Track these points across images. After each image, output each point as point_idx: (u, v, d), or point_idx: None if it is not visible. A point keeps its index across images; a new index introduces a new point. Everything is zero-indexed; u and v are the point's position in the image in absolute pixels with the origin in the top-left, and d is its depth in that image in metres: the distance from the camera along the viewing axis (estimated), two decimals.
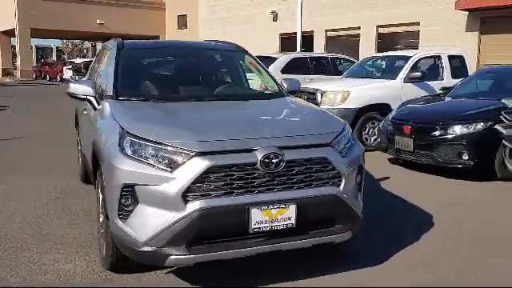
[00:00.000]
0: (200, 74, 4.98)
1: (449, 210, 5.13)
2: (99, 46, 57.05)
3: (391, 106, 8.32)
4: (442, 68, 9.43)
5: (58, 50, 77.33)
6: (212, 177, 3.00)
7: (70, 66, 28.24)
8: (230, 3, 36.08)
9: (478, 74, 8.29)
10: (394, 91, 8.61)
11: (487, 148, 6.15)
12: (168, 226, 2.98)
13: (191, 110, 3.82)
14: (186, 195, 2.97)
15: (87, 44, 65.81)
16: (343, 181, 3.33)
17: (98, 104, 4.18)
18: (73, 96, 4.31)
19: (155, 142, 3.10)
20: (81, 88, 4.22)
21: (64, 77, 32.09)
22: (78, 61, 27.19)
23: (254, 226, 3.09)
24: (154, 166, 3.05)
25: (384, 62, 9.96)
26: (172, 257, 3.02)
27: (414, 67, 9.06)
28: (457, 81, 9.10)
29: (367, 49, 26.15)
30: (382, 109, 8.33)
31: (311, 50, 23.49)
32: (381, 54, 11.06)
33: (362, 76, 9.59)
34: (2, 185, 5.99)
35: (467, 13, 22.84)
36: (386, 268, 3.70)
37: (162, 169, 3.03)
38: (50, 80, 38.63)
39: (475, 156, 6.12)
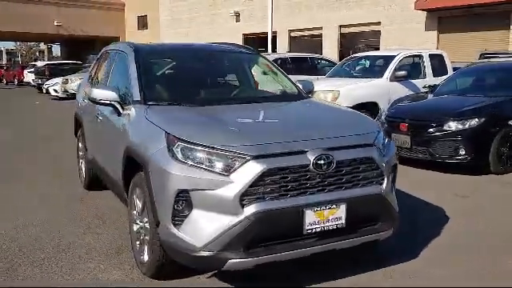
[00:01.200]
0: (221, 77, 4.98)
1: (457, 202, 5.34)
2: (56, 48, 55.58)
3: (379, 105, 8.54)
4: (424, 66, 9.77)
5: (8, 53, 74.81)
6: (267, 180, 3.03)
7: (32, 69, 27.31)
8: (191, 4, 35.87)
9: (460, 72, 8.60)
10: (380, 90, 8.84)
11: (482, 143, 6.42)
12: (226, 229, 2.99)
13: (229, 114, 3.82)
14: (242, 199, 2.99)
15: (42, 46, 63.84)
16: (385, 179, 3.44)
17: (123, 109, 4.12)
18: (95, 101, 4.23)
19: (208, 147, 3.09)
20: (105, 93, 4.14)
21: (25, 80, 31.05)
22: (40, 64, 26.34)
23: (307, 228, 3.14)
24: (208, 170, 3.05)
25: (368, 62, 10.19)
26: (231, 260, 3.03)
27: (399, 66, 9.33)
28: (438, 79, 9.45)
29: (330, 49, 26.62)
30: (371, 107, 8.53)
31: (274, 50, 23.71)
32: (364, 54, 11.30)
33: (347, 76, 9.79)
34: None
35: (426, 13, 23.60)
36: (422, 262, 3.82)
37: (218, 173, 3.03)
38: (7, 84, 37.32)
39: (471, 151, 6.38)
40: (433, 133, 6.56)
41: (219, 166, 3.05)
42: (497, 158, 6.48)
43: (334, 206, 3.19)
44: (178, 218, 3.10)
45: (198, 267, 3.28)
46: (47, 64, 24.72)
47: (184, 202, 3.08)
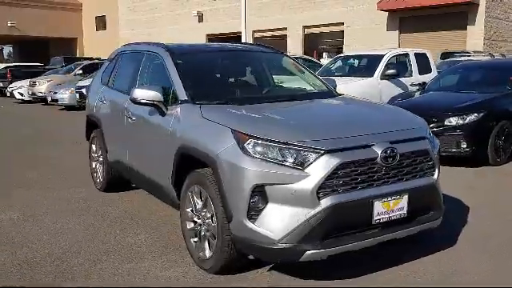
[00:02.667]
0: (256, 76, 5.07)
1: (468, 192, 5.64)
2: (7, 49, 53.41)
3: None
4: (410, 65, 10.15)
5: None
6: (340, 173, 3.17)
7: None
8: (153, 4, 35.50)
9: (450, 70, 9.01)
10: (372, 88, 9.15)
11: (481, 137, 6.79)
12: (303, 222, 3.10)
13: (283, 111, 3.93)
14: (318, 192, 3.11)
15: None
16: (436, 170, 3.65)
17: (167, 109, 4.15)
18: (136, 102, 4.23)
19: (281, 143, 3.19)
20: (149, 93, 4.14)
21: None
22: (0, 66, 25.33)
23: (375, 218, 3.29)
24: (283, 165, 3.15)
25: (356, 61, 10.49)
26: (308, 252, 3.14)
27: (388, 65, 9.66)
28: (423, 76, 9.85)
29: (294, 49, 26.97)
30: None
31: None
32: (352, 53, 11.59)
33: (337, 74, 10.04)
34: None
35: (387, 13, 24.35)
36: (463, 250, 4.05)
37: (293, 167, 3.14)
38: None
39: (472, 144, 6.73)
40: (434, 128, 6.84)
41: (294, 160, 3.16)
42: (494, 151, 6.86)
43: (398, 196, 3.36)
44: (254, 212, 3.19)
45: (273, 260, 3.38)
46: (8, 67, 23.84)
47: (259, 196, 3.17)
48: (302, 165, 3.14)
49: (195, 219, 3.77)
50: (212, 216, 3.54)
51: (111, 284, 3.56)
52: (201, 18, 32.70)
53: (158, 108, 4.21)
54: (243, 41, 20.72)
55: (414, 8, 22.96)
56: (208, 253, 3.61)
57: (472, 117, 6.79)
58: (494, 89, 7.54)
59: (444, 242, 4.12)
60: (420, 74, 10.03)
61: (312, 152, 3.15)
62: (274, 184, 3.14)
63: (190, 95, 4.07)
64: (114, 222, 4.84)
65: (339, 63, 10.94)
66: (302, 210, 3.12)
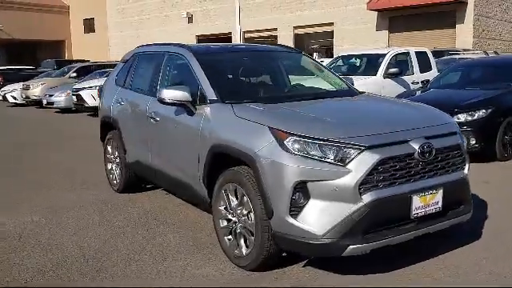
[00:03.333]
0: (278, 75, 5.12)
1: (483, 187, 5.74)
2: None
3: None
4: (412, 63, 10.29)
5: None
6: (380, 169, 3.24)
7: None
8: (141, 5, 35.36)
9: (452, 67, 9.14)
10: (376, 86, 9.24)
11: (490, 133, 6.92)
12: (346, 217, 3.16)
13: (315, 109, 3.99)
14: (360, 187, 3.18)
15: None
16: (466, 165, 3.74)
17: (195, 109, 4.19)
18: (165, 102, 4.25)
19: (322, 139, 3.25)
20: (178, 93, 4.17)
21: None
22: None
23: (414, 212, 3.37)
24: (324, 161, 3.21)
25: (358, 60, 10.59)
26: (350, 247, 3.20)
27: (390, 63, 9.78)
28: (424, 74, 9.98)
29: None
30: None
31: None
32: (355, 52, 11.69)
33: (341, 74, 10.10)
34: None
35: (377, 13, 24.55)
36: (488, 242, 4.15)
37: (335, 164, 3.20)
38: None
39: (481, 140, 6.86)
40: None
41: (335, 157, 3.21)
42: (502, 146, 7.00)
43: (434, 191, 3.44)
44: (296, 208, 3.24)
45: (315, 255, 3.42)
46: (0, 69, 23.58)
47: (301, 192, 3.23)
48: (343, 161, 3.20)
49: (229, 217, 3.81)
50: (249, 213, 3.58)
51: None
52: (190, 20, 32.63)
53: (186, 108, 4.24)
54: (233, 41, 20.74)
55: (403, 7, 23.16)
56: (245, 250, 3.65)
57: (480, 113, 6.91)
58: (498, 85, 7.66)
59: (470, 236, 4.21)
60: (421, 72, 10.18)
61: (353, 148, 3.21)
62: (315, 180, 3.20)
63: (219, 95, 4.11)
64: (138, 223, 4.86)
65: (340, 62, 11.04)
66: (344, 206, 3.17)
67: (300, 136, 3.29)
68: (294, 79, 5.28)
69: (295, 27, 27.91)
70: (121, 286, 3.55)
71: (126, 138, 5.51)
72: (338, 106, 4.26)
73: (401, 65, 10.11)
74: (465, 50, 18.67)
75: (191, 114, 4.22)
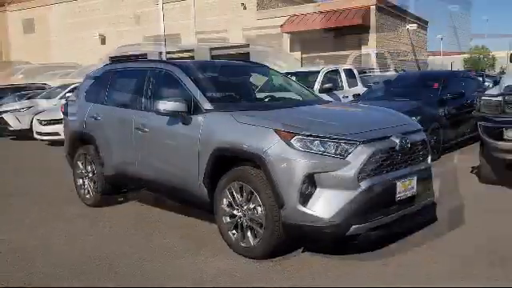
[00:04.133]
0: (256, 86, 5.65)
1: None
2: None
3: None
4: (341, 79, 11.27)
5: None
6: (372, 160, 3.87)
7: None
8: (50, 27, 34.22)
9: (379, 83, 10.21)
10: None
11: None
12: (348, 201, 3.75)
13: (308, 113, 4.59)
14: (358, 176, 3.78)
15: None
16: (429, 156, 4.51)
17: (191, 118, 4.58)
18: (161, 113, 4.62)
19: (324, 137, 3.82)
20: (173, 104, 4.55)
21: None
22: None
23: (397, 196, 4.04)
24: (328, 155, 3.78)
25: (294, 77, 11.33)
26: (354, 226, 3.78)
27: (324, 80, 10.67)
28: (352, 89, 10.98)
29: None
30: None
31: None
32: (291, 71, 12.40)
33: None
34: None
35: (289, 35, 25.97)
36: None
37: (336, 157, 3.78)
38: None
39: None
40: None
41: (335, 151, 3.80)
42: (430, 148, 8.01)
43: (410, 178, 4.14)
44: (305, 197, 3.76)
45: (322, 238, 3.92)
46: None
47: (309, 183, 3.76)
48: (342, 154, 3.79)
49: (234, 213, 4.22)
50: (255, 207, 4.04)
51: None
52: (103, 41, 32.21)
53: (181, 117, 4.62)
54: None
55: (314, 30, 24.67)
56: (253, 241, 4.08)
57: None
58: (421, 97, 8.73)
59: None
60: (349, 87, 11.20)
61: (350, 143, 3.82)
62: (321, 172, 3.75)
63: (214, 104, 4.56)
64: (137, 227, 5.10)
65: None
66: (346, 192, 3.76)
67: (304, 135, 3.83)
68: (268, 91, 5.84)
69: (212, 49, 28.56)
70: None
71: (104, 152, 5.70)
72: (323, 111, 4.88)
73: (332, 81, 11.03)
74: (370, 69, 20.30)
75: (187, 122, 4.60)
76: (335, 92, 10.77)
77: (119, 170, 5.53)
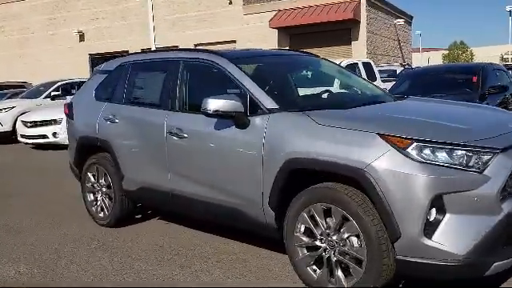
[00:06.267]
0: (320, 80, 4.66)
1: None
2: None
3: None
4: (360, 73, 10.39)
5: None
6: None
7: None
8: (24, 23, 32.50)
9: (406, 76, 9.30)
10: None
11: None
12: (489, 230, 2.78)
13: (412, 112, 3.67)
14: (499, 195, 2.83)
15: None
16: None
17: (248, 121, 3.58)
18: (208, 114, 3.60)
19: (452, 144, 2.86)
20: (227, 103, 3.53)
21: None
22: None
23: None
24: (460, 169, 2.82)
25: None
26: (496, 263, 2.84)
27: None
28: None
29: None
30: None
31: None
32: None
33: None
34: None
35: (277, 31, 25.06)
36: None
37: (471, 171, 2.82)
38: None
39: None
40: None
41: (469, 163, 2.84)
42: None
43: None
44: (431, 226, 2.80)
45: (453, 278, 2.95)
46: None
47: (437, 207, 2.80)
48: (479, 167, 2.83)
49: (317, 243, 3.24)
50: (350, 237, 3.07)
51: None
52: (82, 37, 30.74)
53: (237, 119, 3.61)
54: None
55: (303, 25, 23.87)
56: (346, 281, 3.11)
57: None
58: (457, 91, 7.84)
59: None
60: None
61: (487, 152, 2.87)
62: (452, 192, 2.79)
63: (280, 103, 3.57)
64: (170, 260, 4.06)
65: None
66: (485, 218, 2.80)
67: (426, 141, 2.87)
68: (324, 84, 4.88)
69: (196, 45, 27.43)
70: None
71: (124, 161, 4.64)
72: (424, 108, 3.94)
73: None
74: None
75: (243, 126, 3.60)
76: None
77: (145, 185, 4.49)
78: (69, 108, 5.44)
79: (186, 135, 4.02)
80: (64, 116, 10.55)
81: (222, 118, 3.64)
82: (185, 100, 4.20)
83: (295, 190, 3.34)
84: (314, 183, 3.25)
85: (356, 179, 2.98)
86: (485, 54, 59.01)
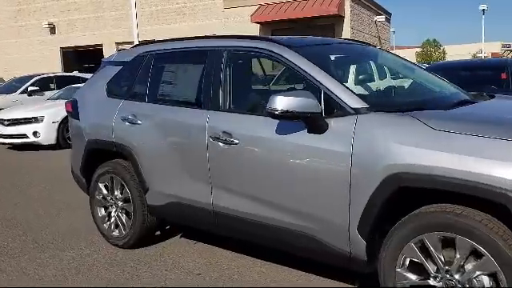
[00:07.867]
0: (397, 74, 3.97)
1: None
2: None
3: None
4: (372, 70, 9.74)
5: None
6: None
7: None
8: None
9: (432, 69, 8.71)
10: None
11: None
12: None
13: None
14: None
15: None
16: None
17: (326, 124, 2.84)
18: (276, 115, 2.84)
19: None
20: (300, 101, 2.79)
21: None
22: None
23: None
24: None
25: None
26: None
27: (358, 70, 9.13)
28: (382, 82, 9.48)
29: None
30: None
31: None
32: None
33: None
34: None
35: (259, 26, 24.34)
36: None
37: None
38: None
39: None
40: None
41: None
42: None
43: None
44: None
45: None
46: None
47: None
48: None
49: (430, 282, 2.53)
50: (478, 276, 2.37)
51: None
52: (53, 30, 29.30)
53: (310, 121, 2.87)
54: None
55: (286, 20, 23.28)
56: None
57: None
58: (487, 88, 7.31)
59: None
60: (380, 78, 9.72)
61: None
62: None
63: (369, 101, 2.85)
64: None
65: None
66: None
67: None
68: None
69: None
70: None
71: (150, 171, 3.83)
72: None
73: (364, 72, 9.50)
74: None
75: (319, 131, 2.86)
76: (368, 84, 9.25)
77: (177, 200, 3.69)
78: (73, 106, 4.57)
79: (236, 141, 3.24)
80: (46, 114, 9.92)
81: (290, 119, 2.89)
82: (233, 98, 3.42)
83: (396, 214, 2.63)
84: (420, 204, 2.55)
85: (503, 204, 2.26)
86: (457, 51, 59.73)
